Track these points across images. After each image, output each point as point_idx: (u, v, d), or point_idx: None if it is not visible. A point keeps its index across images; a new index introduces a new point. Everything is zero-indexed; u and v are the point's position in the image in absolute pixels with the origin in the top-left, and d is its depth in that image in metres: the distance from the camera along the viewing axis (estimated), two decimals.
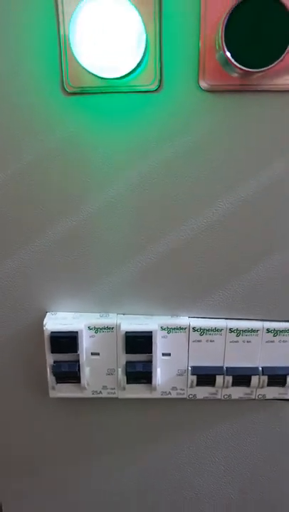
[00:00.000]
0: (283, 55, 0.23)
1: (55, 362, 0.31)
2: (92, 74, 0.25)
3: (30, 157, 0.28)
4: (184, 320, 0.31)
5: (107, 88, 0.26)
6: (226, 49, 0.23)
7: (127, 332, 0.30)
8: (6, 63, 0.26)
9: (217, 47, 0.24)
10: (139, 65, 0.25)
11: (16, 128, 0.27)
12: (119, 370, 0.31)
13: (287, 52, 0.23)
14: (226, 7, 0.24)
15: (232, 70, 0.25)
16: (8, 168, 0.28)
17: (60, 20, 0.25)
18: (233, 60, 0.23)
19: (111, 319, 0.31)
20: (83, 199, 0.29)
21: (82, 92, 0.26)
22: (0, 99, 0.27)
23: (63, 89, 0.26)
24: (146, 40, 0.25)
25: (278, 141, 0.27)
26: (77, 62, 0.24)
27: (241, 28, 0.23)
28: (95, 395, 0.32)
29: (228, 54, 0.23)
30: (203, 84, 0.26)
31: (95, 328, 0.31)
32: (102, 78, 0.25)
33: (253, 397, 0.32)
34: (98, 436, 0.34)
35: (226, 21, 0.23)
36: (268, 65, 0.24)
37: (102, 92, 0.26)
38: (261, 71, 0.24)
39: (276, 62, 0.24)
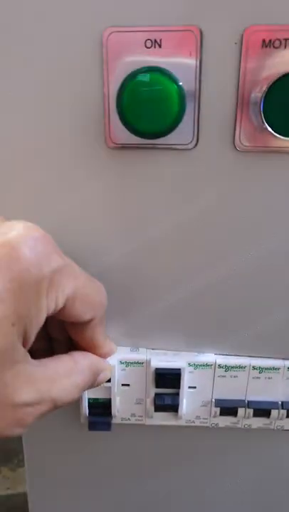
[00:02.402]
0: None
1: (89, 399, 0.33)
2: (134, 134, 0.26)
3: (76, 199, 0.30)
4: (210, 357, 0.33)
5: (147, 145, 0.28)
6: (264, 120, 0.25)
7: (157, 368, 0.32)
8: (57, 119, 0.28)
9: (254, 115, 0.26)
10: (176, 127, 0.26)
11: (65, 174, 0.29)
12: (148, 400, 0.33)
13: None
14: (262, 80, 0.25)
15: (268, 135, 0.26)
16: (56, 207, 0.30)
17: (105, 81, 0.27)
18: (271, 130, 0.25)
19: (141, 355, 0.33)
20: (118, 240, 0.31)
21: (124, 147, 0.28)
22: (52, 151, 0.28)
23: (106, 144, 0.28)
24: (185, 105, 0.26)
25: None
26: (122, 123, 0.26)
27: (279, 101, 0.24)
28: (124, 421, 0.35)
29: (267, 125, 0.25)
30: (238, 144, 0.27)
31: (126, 362, 0.33)
32: (142, 137, 0.26)
33: (272, 427, 0.34)
34: (126, 458, 0.37)
35: (263, 96, 0.24)
36: None
37: (142, 148, 0.28)
38: None
39: None
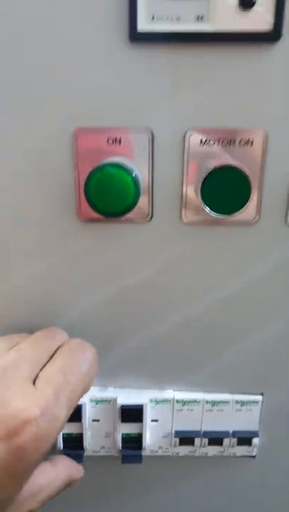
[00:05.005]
0: (244, 206, 0.31)
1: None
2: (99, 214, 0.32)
3: (51, 262, 0.35)
4: (169, 394, 0.38)
5: (111, 220, 0.34)
6: (202, 202, 0.31)
7: (122, 405, 0.37)
8: (39, 200, 0.33)
9: (195, 196, 0.32)
10: (133, 208, 0.32)
11: (39, 243, 0.35)
12: (116, 433, 0.38)
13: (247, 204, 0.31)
14: (201, 170, 0.32)
15: (206, 212, 0.32)
16: (31, 268, 0.35)
17: (76, 169, 0.33)
18: (208, 210, 0.31)
19: (109, 393, 0.38)
20: (88, 294, 0.36)
21: (92, 221, 0.34)
22: (28, 227, 0.34)
23: (77, 218, 0.34)
24: (140, 191, 0.32)
25: (239, 263, 0.34)
26: (89, 206, 0.32)
27: (214, 187, 0.31)
28: (95, 454, 0.39)
29: (206, 208, 0.31)
30: (185, 219, 0.33)
31: (96, 400, 0.37)
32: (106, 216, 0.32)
33: (225, 454, 0.40)
34: (98, 487, 0.41)
35: (201, 183, 0.31)
36: (234, 213, 0.31)
37: (108, 222, 0.34)
38: (230, 216, 0.32)
39: (240, 211, 0.31)
